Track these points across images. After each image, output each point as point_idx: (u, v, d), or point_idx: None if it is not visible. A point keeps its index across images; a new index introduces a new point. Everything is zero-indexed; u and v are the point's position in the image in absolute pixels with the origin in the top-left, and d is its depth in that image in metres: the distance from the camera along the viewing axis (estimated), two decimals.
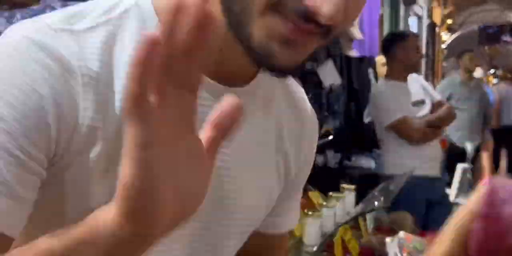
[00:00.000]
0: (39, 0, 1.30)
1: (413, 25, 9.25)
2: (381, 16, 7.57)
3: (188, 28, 0.46)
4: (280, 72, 0.69)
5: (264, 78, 0.80)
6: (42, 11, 1.21)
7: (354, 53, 4.69)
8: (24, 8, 1.35)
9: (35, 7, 1.25)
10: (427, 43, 10.36)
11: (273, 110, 0.84)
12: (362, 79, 4.84)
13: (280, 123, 0.85)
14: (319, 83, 4.33)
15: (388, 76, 4.01)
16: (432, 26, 10.96)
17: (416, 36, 4.08)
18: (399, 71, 3.90)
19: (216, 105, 0.69)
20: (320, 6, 0.63)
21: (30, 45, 0.63)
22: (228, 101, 0.52)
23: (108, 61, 0.66)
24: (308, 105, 0.93)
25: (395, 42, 3.91)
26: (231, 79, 0.75)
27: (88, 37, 0.67)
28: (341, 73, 4.52)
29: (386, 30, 7.76)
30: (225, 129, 0.53)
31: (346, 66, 4.65)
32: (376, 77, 5.07)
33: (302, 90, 0.94)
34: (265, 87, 0.82)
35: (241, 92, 0.74)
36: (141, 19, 0.70)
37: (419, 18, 9.89)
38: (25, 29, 0.65)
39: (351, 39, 4.60)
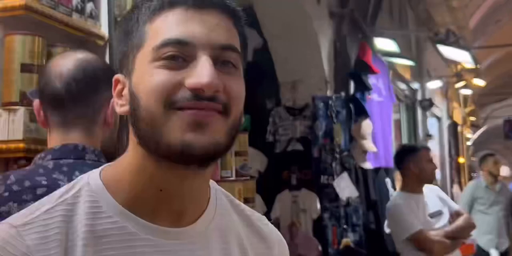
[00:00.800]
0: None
1: (432, 126, 9.37)
2: (398, 122, 7.75)
3: None
4: (201, 157, 0.79)
5: (213, 213, 0.90)
6: (35, 171, 1.27)
7: (368, 165, 4.78)
8: (19, 169, 1.45)
9: (28, 167, 1.33)
10: (449, 143, 10.42)
11: (233, 240, 0.91)
12: (379, 190, 4.89)
13: (245, 249, 0.92)
14: (335, 196, 4.40)
15: (403, 188, 4.04)
16: (453, 126, 11.08)
17: (428, 149, 4.15)
18: (413, 184, 3.93)
19: (161, 244, 0.81)
20: (197, 80, 0.78)
21: None
22: None
23: (64, 242, 0.78)
24: (273, 229, 1.00)
25: (406, 156, 3.99)
26: (178, 220, 0.85)
27: (46, 220, 0.80)
28: (357, 185, 4.59)
29: (404, 134, 7.91)
30: None
31: (363, 177, 4.73)
32: (394, 187, 5.11)
33: (263, 218, 1.02)
34: (219, 221, 0.90)
35: (190, 231, 0.85)
36: (92, 195, 0.83)
37: (439, 119, 10.03)
38: None
39: (364, 152, 4.71)
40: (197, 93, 0.78)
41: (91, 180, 0.86)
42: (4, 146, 1.84)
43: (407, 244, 3.78)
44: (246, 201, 2.52)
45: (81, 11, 2.16)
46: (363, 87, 4.75)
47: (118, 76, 0.87)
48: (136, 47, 0.83)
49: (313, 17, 4.42)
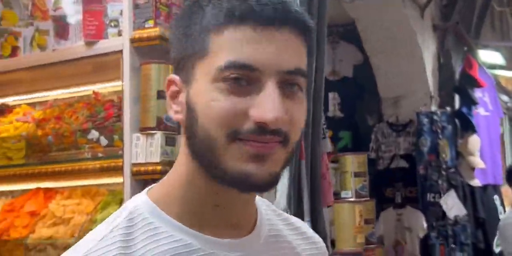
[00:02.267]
0: None
1: None
2: (502, 135, 7.43)
3: None
4: (260, 187, 0.78)
5: (263, 223, 0.89)
6: None
7: (476, 182, 4.62)
8: None
9: None
10: None
11: (286, 245, 0.91)
12: (488, 208, 4.71)
13: (297, 251, 0.92)
14: (442, 214, 4.28)
15: None
16: None
17: None
18: None
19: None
20: (263, 115, 0.74)
21: None
22: None
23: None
24: (312, 232, 1.00)
25: None
26: (235, 232, 0.83)
27: (104, 248, 0.77)
28: (465, 202, 4.44)
29: (508, 149, 7.57)
30: None
31: (470, 195, 4.57)
32: (503, 204, 4.91)
33: (302, 221, 1.02)
34: (269, 230, 0.89)
35: (250, 241, 0.84)
36: (147, 218, 0.80)
37: None
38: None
39: (472, 168, 4.56)
40: (261, 126, 0.75)
41: (139, 202, 0.83)
42: (142, 168, 1.95)
43: None
44: (366, 222, 2.51)
45: None
46: (470, 101, 4.61)
47: (173, 76, 0.83)
48: (197, 55, 0.79)
49: (417, 31, 4.35)
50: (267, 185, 0.78)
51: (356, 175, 2.55)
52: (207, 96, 0.77)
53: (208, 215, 0.82)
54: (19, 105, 2.62)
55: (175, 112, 0.83)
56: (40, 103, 2.57)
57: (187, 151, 0.81)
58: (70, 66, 2.19)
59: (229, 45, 0.76)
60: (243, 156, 0.76)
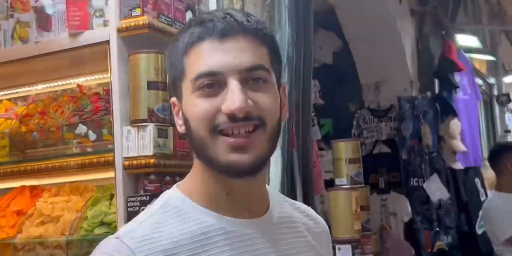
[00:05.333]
0: None
1: (510, 121, 9.07)
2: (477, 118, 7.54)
3: None
4: (245, 174, 0.93)
5: (276, 208, 1.05)
6: None
7: (458, 165, 4.66)
8: None
9: None
10: None
11: (295, 227, 1.08)
12: (469, 190, 4.76)
13: (305, 233, 1.09)
14: (426, 198, 4.31)
15: (499, 188, 3.91)
16: None
17: None
18: (510, 183, 3.82)
19: (234, 231, 0.94)
20: (229, 106, 0.89)
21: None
22: None
23: (156, 239, 0.91)
24: (315, 213, 1.17)
25: (502, 154, 3.87)
26: (250, 214, 0.99)
27: (143, 227, 0.93)
28: (447, 186, 4.48)
29: (483, 130, 7.68)
30: None
31: (452, 178, 4.61)
32: (483, 187, 4.97)
33: (305, 205, 1.18)
34: (282, 214, 1.06)
35: (260, 221, 1.00)
36: (177, 206, 0.96)
37: None
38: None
39: (454, 152, 4.59)
40: (232, 117, 0.90)
41: (171, 193, 1.00)
42: (135, 162, 1.89)
43: (507, 245, 3.66)
44: (362, 209, 2.49)
45: None
46: (450, 85, 4.63)
47: (173, 99, 1.02)
48: (179, 77, 0.96)
49: (395, 16, 4.34)
50: (252, 170, 0.93)
51: (351, 161, 2.54)
52: (191, 104, 0.93)
53: (224, 202, 0.97)
54: (0, 101, 2.53)
55: (179, 126, 1.00)
56: (23, 98, 2.48)
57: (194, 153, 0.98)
58: (54, 58, 2.11)
59: (196, 61, 0.92)
60: (226, 149, 0.91)
